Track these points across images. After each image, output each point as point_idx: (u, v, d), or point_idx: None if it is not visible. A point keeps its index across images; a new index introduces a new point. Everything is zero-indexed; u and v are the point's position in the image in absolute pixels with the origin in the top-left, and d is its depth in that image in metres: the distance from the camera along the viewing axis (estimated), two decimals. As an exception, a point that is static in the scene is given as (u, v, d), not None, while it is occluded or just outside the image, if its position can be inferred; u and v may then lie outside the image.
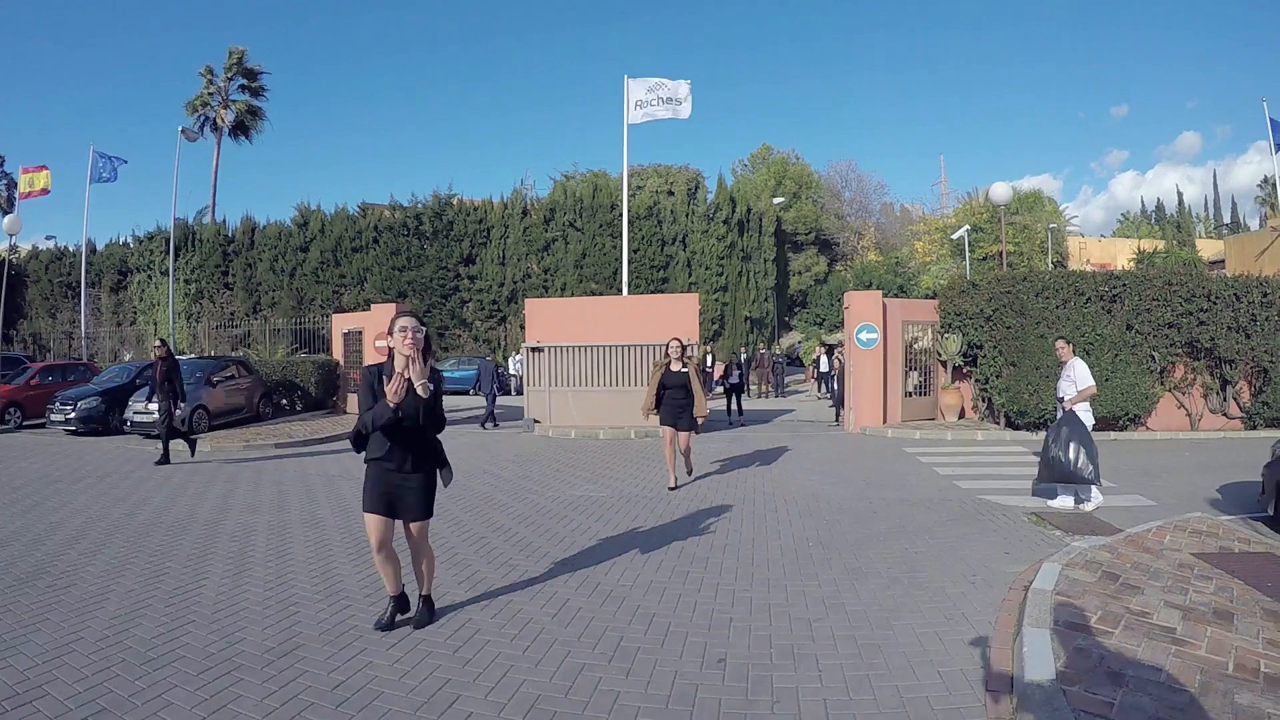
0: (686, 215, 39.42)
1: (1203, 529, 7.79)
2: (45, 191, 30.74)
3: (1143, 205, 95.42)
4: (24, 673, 4.58)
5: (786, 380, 34.09)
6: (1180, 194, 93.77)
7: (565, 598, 6.00)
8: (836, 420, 19.76)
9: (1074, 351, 10.11)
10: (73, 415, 17.81)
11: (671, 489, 10.92)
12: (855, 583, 6.39)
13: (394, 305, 20.25)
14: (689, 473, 11.83)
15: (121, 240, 42.17)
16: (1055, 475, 9.39)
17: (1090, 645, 4.67)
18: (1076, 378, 9.67)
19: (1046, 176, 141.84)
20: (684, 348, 11.37)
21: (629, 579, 6.51)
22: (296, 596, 6.05)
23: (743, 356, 32.20)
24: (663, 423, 11.31)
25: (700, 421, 11.38)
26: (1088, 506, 9.50)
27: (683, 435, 11.28)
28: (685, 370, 11.25)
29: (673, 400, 11.19)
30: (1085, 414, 9.59)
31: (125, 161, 29.92)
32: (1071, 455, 9.16)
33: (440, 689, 4.38)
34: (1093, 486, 9.39)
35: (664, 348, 17.73)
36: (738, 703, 4.23)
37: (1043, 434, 15.81)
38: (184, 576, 6.60)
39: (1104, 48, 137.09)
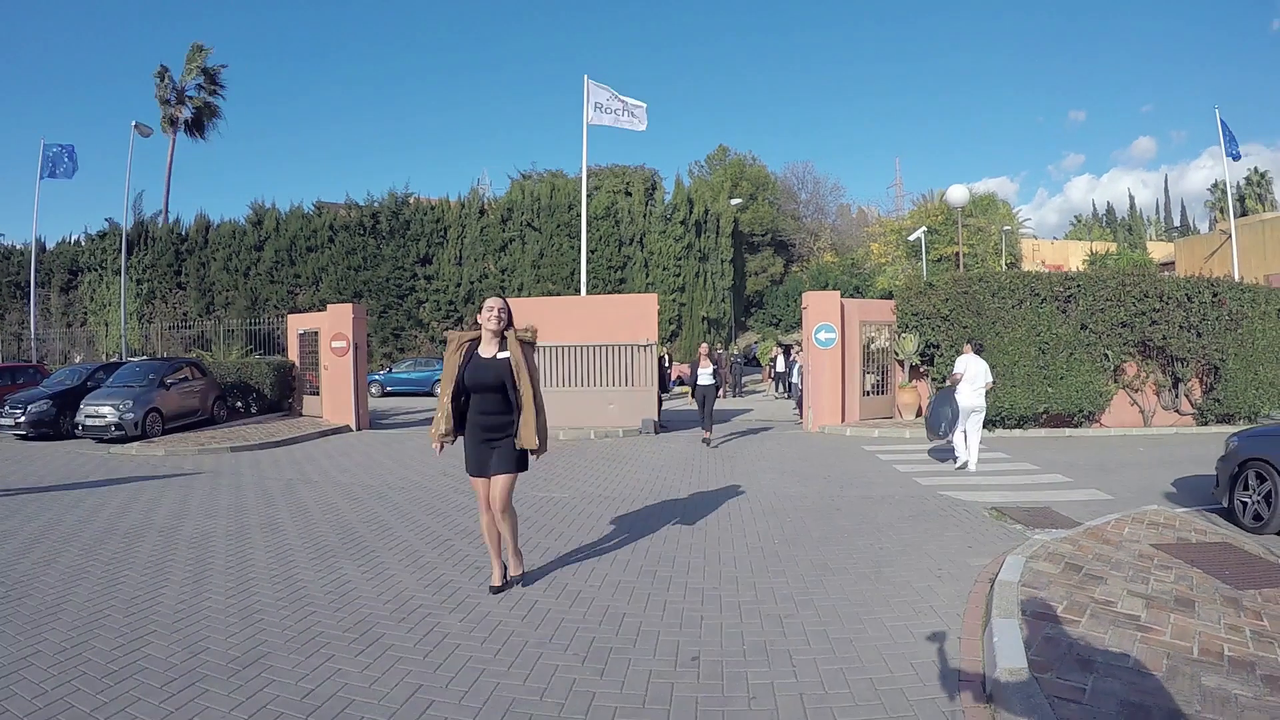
0: (644, 216, 39.48)
1: (1160, 521, 7.93)
2: None
3: (1094, 208, 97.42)
4: (-20, 690, 4.42)
5: (744, 380, 34.24)
6: (1132, 197, 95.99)
7: (534, 599, 5.95)
8: (799, 417, 19.88)
9: (972, 349, 12.44)
10: (23, 419, 17.38)
11: (495, 590, 6.13)
12: (823, 579, 6.42)
13: (350, 305, 19.99)
14: (517, 572, 6.44)
15: (72, 239, 41.37)
16: (927, 426, 12.39)
17: (1058, 634, 4.74)
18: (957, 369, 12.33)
19: (1004, 179, 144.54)
20: (505, 312, 6.02)
21: (597, 579, 6.48)
22: (259, 603, 5.94)
23: (719, 353, 30.08)
24: (468, 468, 6.13)
25: (534, 456, 6.12)
26: (953, 465, 12.28)
27: (498, 485, 5.98)
28: (506, 357, 5.95)
29: (483, 415, 5.97)
30: (973, 395, 12.04)
31: (73, 147, 29.01)
32: (933, 417, 12.12)
33: (412, 695, 4.32)
34: (954, 452, 12.37)
35: (626, 348, 17.16)
36: (714, 700, 4.23)
37: (999, 431, 16.17)
38: (142, 585, 6.44)
39: (1064, 52, 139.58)
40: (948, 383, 12.54)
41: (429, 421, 20.62)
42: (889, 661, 4.69)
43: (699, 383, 15.53)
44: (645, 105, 22.57)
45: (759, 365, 43.52)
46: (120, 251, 32.19)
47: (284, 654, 4.92)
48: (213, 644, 5.09)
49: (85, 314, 38.80)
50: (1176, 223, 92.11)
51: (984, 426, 16.66)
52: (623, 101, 22.26)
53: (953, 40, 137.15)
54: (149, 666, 4.74)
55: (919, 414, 18.76)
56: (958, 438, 12.15)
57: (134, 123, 26.88)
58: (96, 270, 39.19)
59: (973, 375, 12.05)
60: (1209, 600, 5.45)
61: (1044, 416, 16.72)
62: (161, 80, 43.72)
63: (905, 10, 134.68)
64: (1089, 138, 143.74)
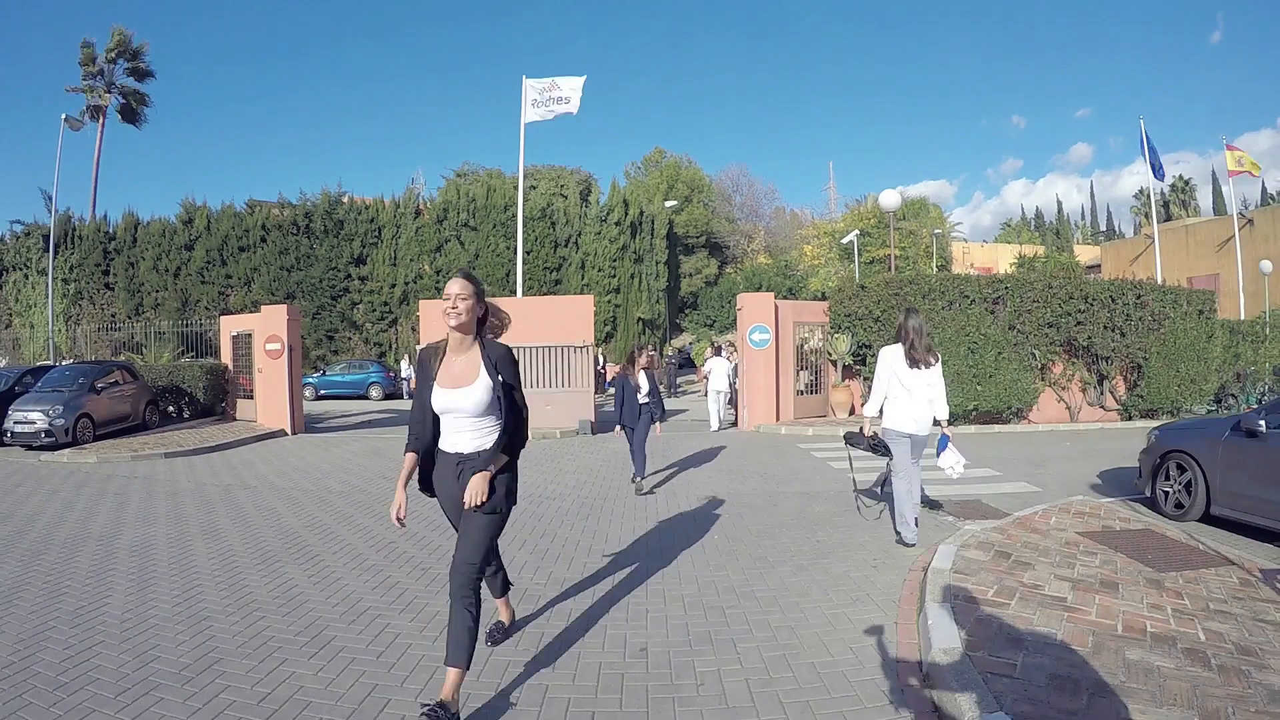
0: (580, 217, 39.62)
1: (1085, 510, 8.28)
2: None
3: (1023, 212, 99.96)
4: (-73, 707, 4.32)
5: (679, 381, 34.48)
6: (1060, 202, 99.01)
7: (481, 598, 6.01)
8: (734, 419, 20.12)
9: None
10: (-55, 427, 16.84)
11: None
12: (763, 571, 6.59)
13: (284, 307, 19.70)
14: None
15: (-4, 236, 40.24)
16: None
17: (989, 616, 4.98)
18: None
19: (943, 182, 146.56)
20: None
21: (541, 577, 6.56)
22: (207, 610, 5.88)
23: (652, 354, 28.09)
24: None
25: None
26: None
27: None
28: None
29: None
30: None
31: None
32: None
33: (369, 695, 4.36)
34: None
35: (562, 349, 17.20)
36: (664, 687, 4.36)
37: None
38: (85, 595, 6.33)
39: (1007, 58, 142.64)
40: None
41: (366, 425, 20.63)
42: (829, 647, 4.86)
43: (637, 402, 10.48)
44: (584, 77, 21.88)
45: (694, 365, 43.82)
46: (45, 250, 31.38)
47: (236, 659, 4.89)
48: (163, 652, 5.04)
49: (10, 315, 37.72)
50: (1103, 227, 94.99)
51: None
52: (558, 86, 21.85)
53: (897, 45, 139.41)
54: (100, 677, 4.67)
55: (852, 412, 19.11)
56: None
57: (64, 116, 26.01)
58: (21, 270, 38.10)
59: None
60: (1132, 582, 5.74)
61: (974, 413, 17.15)
62: (92, 65, 42.63)
63: (851, 15, 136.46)
64: (1028, 143, 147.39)
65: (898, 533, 7.46)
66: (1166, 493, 8.81)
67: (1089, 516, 8.01)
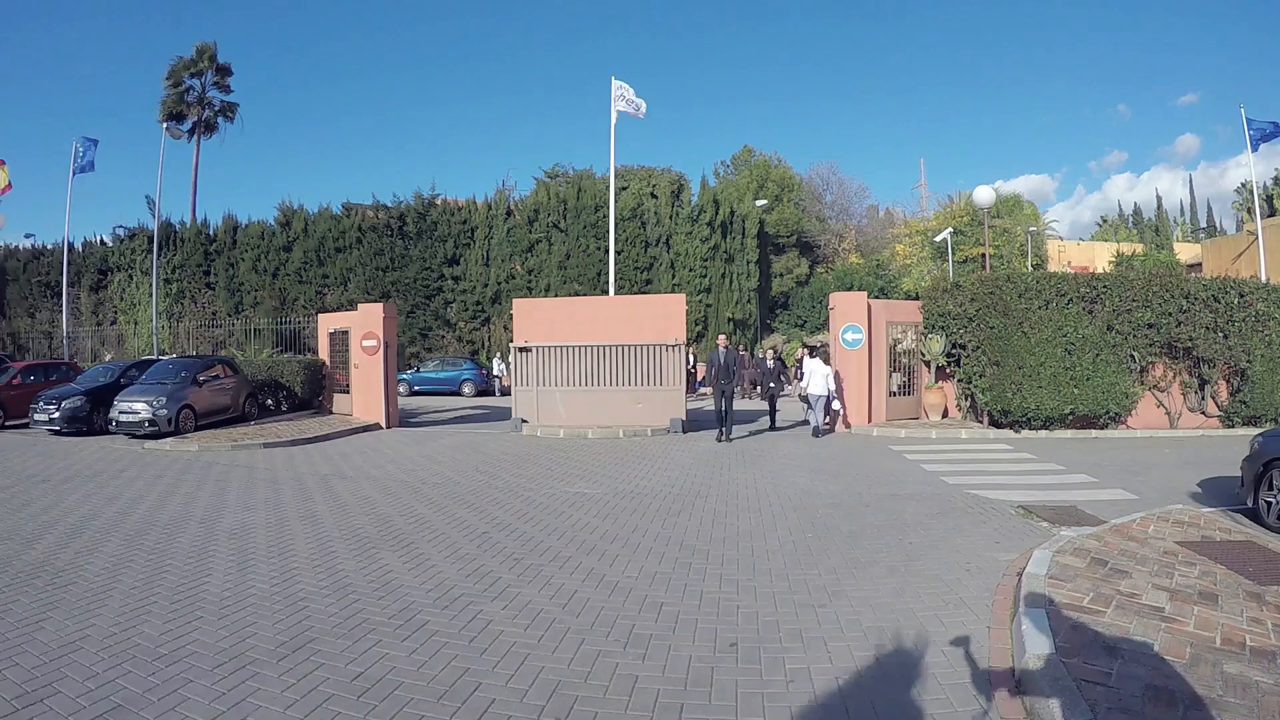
0: (670, 217, 39.65)
1: (1185, 520, 8.02)
2: (7, 187, 30.55)
3: (1120, 209, 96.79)
4: (32, 670, 4.57)
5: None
6: (1159, 198, 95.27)
7: (573, 589, 6.13)
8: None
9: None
10: (57, 415, 17.65)
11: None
12: (854, 571, 6.57)
13: (380, 305, 20.20)
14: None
15: (100, 239, 41.94)
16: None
17: (1084, 623, 4.88)
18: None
19: (1044, 176, 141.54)
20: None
21: (634, 571, 6.64)
22: (303, 591, 6.10)
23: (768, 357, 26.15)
24: None
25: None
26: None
27: None
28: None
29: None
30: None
31: (96, 142, 29.46)
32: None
33: (460, 678, 4.47)
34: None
35: (654, 348, 17.84)
36: (753, 682, 4.39)
37: (1025, 432, 16.19)
38: (186, 573, 6.62)
39: (1111, 49, 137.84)
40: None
41: (459, 420, 21.01)
42: (920, 648, 4.83)
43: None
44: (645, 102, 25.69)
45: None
46: (149, 251, 32.71)
47: (332, 639, 5.07)
48: (260, 629, 5.25)
49: (115, 313, 39.30)
50: (1203, 223, 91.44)
51: (1012, 428, 16.78)
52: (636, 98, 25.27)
53: (989, 36, 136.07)
54: (198, 650, 4.89)
55: (945, 414, 18.81)
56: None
57: (165, 125, 27.13)
58: (126, 270, 39.69)
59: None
60: (1232, 595, 5.56)
61: (1070, 418, 16.72)
62: (174, 83, 44.44)
63: (947, 5, 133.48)
64: (1132, 134, 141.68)
65: (813, 428, 16.51)
66: (1269, 503, 8.48)
67: (1188, 526, 7.77)
